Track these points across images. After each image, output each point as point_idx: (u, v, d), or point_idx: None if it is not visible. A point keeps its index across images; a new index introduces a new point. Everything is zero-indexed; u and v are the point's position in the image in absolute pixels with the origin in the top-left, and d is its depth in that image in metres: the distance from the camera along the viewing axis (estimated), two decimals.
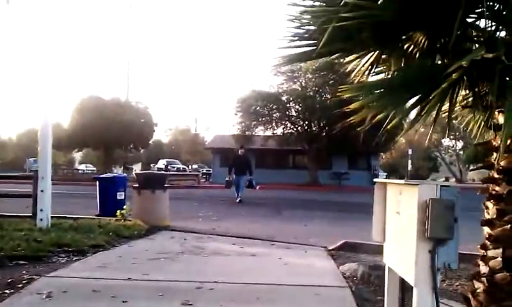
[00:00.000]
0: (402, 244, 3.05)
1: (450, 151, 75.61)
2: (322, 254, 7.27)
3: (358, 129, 3.78)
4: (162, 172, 14.89)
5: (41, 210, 8.39)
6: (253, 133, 30.65)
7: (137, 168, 48.55)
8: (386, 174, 38.36)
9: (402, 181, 3.22)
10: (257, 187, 16.80)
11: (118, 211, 9.68)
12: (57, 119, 38.33)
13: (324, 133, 29.68)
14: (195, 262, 6.38)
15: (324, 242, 8.30)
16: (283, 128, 30.73)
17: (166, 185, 10.14)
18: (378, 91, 3.31)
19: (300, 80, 29.86)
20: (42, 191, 8.44)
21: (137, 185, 9.97)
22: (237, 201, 16.67)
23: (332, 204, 17.66)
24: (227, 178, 17.25)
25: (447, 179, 74.50)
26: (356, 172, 34.80)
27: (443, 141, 74.73)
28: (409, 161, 45.33)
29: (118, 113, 34.18)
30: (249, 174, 17.03)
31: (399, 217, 3.22)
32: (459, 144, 73.76)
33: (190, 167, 55.97)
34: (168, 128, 77.85)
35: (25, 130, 71.88)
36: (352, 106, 3.44)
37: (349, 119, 3.74)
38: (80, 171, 48.22)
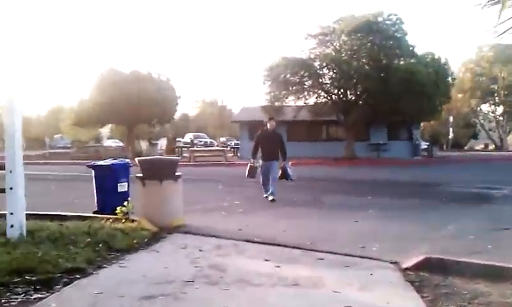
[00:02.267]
0: None
1: (489, 117, 71.74)
2: (396, 279, 4.99)
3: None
4: (173, 157, 9.59)
5: (12, 214, 6.30)
6: (283, 104, 28.12)
7: (162, 143, 46.72)
8: (427, 144, 35.40)
9: None
10: (294, 178, 11.74)
11: (119, 208, 7.57)
12: (78, 95, 36.78)
13: (361, 102, 26.94)
14: (210, 303, 4.22)
15: (390, 251, 6.06)
16: (316, 98, 28.08)
17: (177, 174, 7.96)
18: None
19: (334, 44, 27.11)
20: (11, 189, 6.34)
21: (140, 175, 7.83)
22: (269, 199, 10.96)
23: (379, 185, 15.21)
24: (250, 163, 11.51)
25: (486, 146, 71.11)
26: (395, 142, 32.10)
27: (482, 107, 70.91)
28: (450, 129, 42.35)
29: (139, 87, 32.09)
30: (282, 159, 11.37)
31: None
32: (499, 110, 69.84)
33: (218, 140, 54.00)
34: (194, 101, 76.00)
35: (54, 107, 71.26)
36: None
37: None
38: (107, 147, 46.51)
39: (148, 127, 41.20)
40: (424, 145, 34.53)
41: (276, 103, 27.44)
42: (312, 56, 26.80)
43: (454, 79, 28.21)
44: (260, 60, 59.61)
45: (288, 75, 26.30)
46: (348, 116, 27.26)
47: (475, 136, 68.18)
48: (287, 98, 27.96)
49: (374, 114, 26.55)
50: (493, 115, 70.72)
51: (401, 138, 32.69)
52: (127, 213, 7.63)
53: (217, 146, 47.92)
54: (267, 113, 27.91)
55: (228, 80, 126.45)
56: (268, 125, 11.50)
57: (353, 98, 26.97)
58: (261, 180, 11.34)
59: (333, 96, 27.71)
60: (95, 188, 8.43)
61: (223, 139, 54.80)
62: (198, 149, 34.96)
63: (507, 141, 72.02)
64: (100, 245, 5.88)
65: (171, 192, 7.80)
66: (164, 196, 7.72)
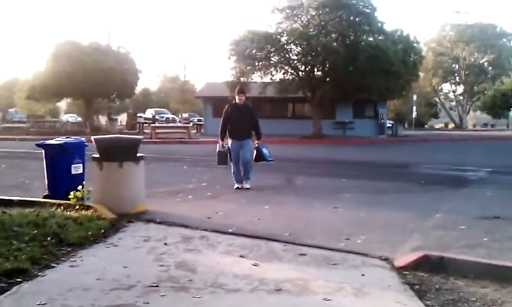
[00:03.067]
0: None
1: (449, 96, 72.78)
2: (392, 281, 4.37)
3: None
4: (134, 136, 8.13)
5: None
6: (249, 79, 27.23)
7: (122, 119, 45.17)
8: (391, 123, 35.30)
9: None
10: (272, 158, 10.00)
11: (72, 193, 6.71)
12: (34, 67, 34.85)
13: (328, 79, 26.31)
14: None
15: (378, 243, 5.50)
16: (283, 74, 27.26)
17: (139, 155, 7.13)
18: None
19: (301, 18, 26.28)
20: None
21: (97, 156, 6.96)
22: (245, 187, 9.39)
23: (350, 166, 14.66)
24: (219, 148, 9.55)
25: (446, 125, 72.21)
26: (361, 121, 31.83)
27: (443, 86, 71.80)
28: (414, 107, 42.40)
29: (98, 59, 30.56)
30: (256, 137, 9.62)
31: None
32: (460, 89, 70.92)
33: (180, 116, 52.73)
34: (155, 75, 74.13)
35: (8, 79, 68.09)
36: None
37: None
38: (64, 122, 44.33)
39: (107, 102, 39.62)
40: (388, 124, 34.43)
41: (242, 79, 26.51)
42: (279, 31, 25.89)
43: (421, 57, 27.90)
44: (225, 34, 58.07)
45: (254, 50, 25.36)
46: (315, 93, 26.63)
47: (435, 115, 69.09)
48: (252, 73, 27.08)
49: (342, 92, 26.06)
50: (453, 94, 71.89)
51: (367, 116, 32.44)
52: (82, 198, 6.79)
53: (179, 122, 46.74)
54: (232, 89, 27.07)
55: (191, 55, 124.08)
56: (237, 98, 9.50)
57: (321, 74, 26.28)
58: (232, 166, 9.44)
59: (300, 72, 26.99)
60: (45, 169, 7.50)
61: (185, 115, 53.54)
62: (160, 125, 33.79)
63: (467, 120, 73.45)
64: (49, 238, 5.06)
65: (132, 176, 6.97)
66: (124, 180, 6.89)
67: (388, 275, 4.48)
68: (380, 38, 24.14)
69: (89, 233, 5.46)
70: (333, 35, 24.81)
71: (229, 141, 9.51)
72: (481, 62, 66.83)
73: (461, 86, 70.13)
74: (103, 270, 4.35)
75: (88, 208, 6.52)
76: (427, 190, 9.71)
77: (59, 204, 6.62)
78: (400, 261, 4.73)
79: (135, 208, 6.91)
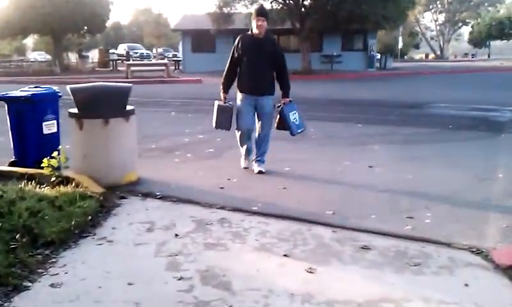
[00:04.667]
0: None
1: (430, 26, 71.21)
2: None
3: None
4: (122, 84, 5.81)
5: None
6: (233, 10, 25.14)
7: (93, 55, 42.46)
8: (379, 54, 33.73)
9: None
10: (303, 128, 6.22)
11: (45, 160, 5.23)
12: None
13: (320, 7, 24.37)
14: None
15: (452, 222, 4.29)
16: (271, 3, 25.25)
17: (129, 108, 5.63)
18: None
19: None
20: None
21: (76, 111, 5.44)
22: (254, 171, 6.06)
23: (358, 107, 13.20)
24: (219, 103, 6.08)
25: (426, 55, 70.88)
26: (349, 53, 30.26)
27: (425, 15, 70.00)
28: (400, 38, 40.83)
29: None
30: (283, 93, 6.05)
31: None
32: (441, 18, 69.32)
33: (155, 51, 50.18)
34: (127, 8, 70.25)
35: None
36: None
37: None
38: (32, 62, 41.40)
39: (77, 37, 36.91)
40: (376, 56, 32.92)
41: (225, 10, 24.48)
42: None
43: None
44: None
45: None
46: (304, 25, 24.74)
47: (417, 46, 67.55)
48: (237, 2, 24.96)
49: (333, 22, 24.27)
50: (436, 23, 70.28)
51: (356, 49, 30.86)
52: (59, 168, 5.32)
53: (154, 57, 44.39)
54: (215, 21, 25.05)
55: None
56: (255, 26, 5.80)
57: (311, 2, 24.24)
58: (238, 132, 6.12)
59: (289, 1, 24.98)
60: (10, 130, 5.95)
61: (159, 50, 50.97)
62: (136, 62, 31.54)
63: (449, 49, 72.28)
64: (18, 235, 3.65)
65: (122, 136, 5.50)
66: (112, 141, 5.41)
67: (499, 284, 3.22)
68: None
69: (73, 222, 4.05)
70: None
71: (238, 97, 6.01)
72: None
73: (443, 14, 68.53)
74: (100, 293, 3.00)
75: (67, 181, 5.09)
76: (464, 138, 8.47)
77: (30, 176, 5.17)
78: (503, 257, 3.48)
79: (126, 176, 5.50)
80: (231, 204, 4.73)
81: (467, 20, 63.25)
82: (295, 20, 25.35)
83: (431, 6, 67.23)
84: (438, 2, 67.36)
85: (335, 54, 29.69)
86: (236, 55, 5.95)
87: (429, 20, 71.54)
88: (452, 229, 4.09)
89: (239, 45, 5.93)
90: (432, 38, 71.17)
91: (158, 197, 4.99)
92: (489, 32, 33.10)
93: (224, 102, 6.04)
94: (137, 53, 43.57)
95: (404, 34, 52.53)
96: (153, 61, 37.13)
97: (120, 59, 36.77)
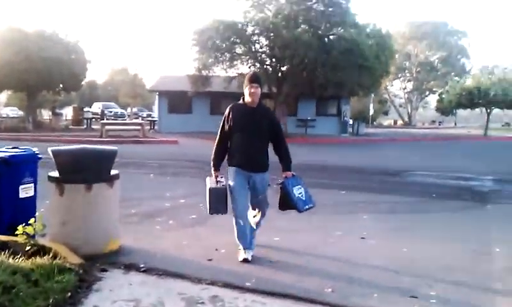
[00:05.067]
0: None
1: (398, 93, 73.41)
2: None
3: None
4: (107, 147, 5.08)
5: None
6: (212, 73, 25.33)
7: (67, 113, 42.01)
8: (351, 119, 34.20)
9: None
10: (312, 204, 5.43)
11: (20, 227, 4.84)
12: None
13: (302, 73, 24.73)
14: None
15: (458, 303, 3.99)
16: (250, 67, 25.46)
17: (113, 173, 5.33)
18: None
19: (269, 8, 24.48)
20: None
21: (56, 175, 5.12)
22: (246, 257, 5.09)
23: (337, 171, 13.16)
24: (211, 183, 5.24)
25: (395, 122, 72.62)
26: (323, 118, 30.74)
27: (394, 83, 72.23)
28: (371, 105, 41.76)
29: (44, 47, 27.76)
30: (283, 167, 5.47)
31: None
32: (409, 86, 71.58)
33: (129, 110, 50.02)
34: (103, 67, 70.56)
35: None
36: None
37: None
38: (3, 118, 40.57)
39: (52, 94, 36.51)
40: (349, 121, 33.39)
41: (204, 72, 24.66)
42: (246, 20, 24.09)
43: (394, 53, 26.88)
44: (177, 28, 55.50)
45: (219, 41, 23.51)
46: (281, 89, 25.05)
47: (386, 112, 69.19)
48: (216, 66, 25.16)
49: (310, 87, 24.67)
50: (404, 91, 72.41)
51: (330, 114, 31.36)
52: (34, 236, 4.93)
53: (128, 117, 44.19)
54: (194, 83, 25.14)
55: (141, 47, 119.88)
56: (247, 93, 5.25)
57: (289, 68, 24.61)
58: (235, 213, 5.19)
59: (267, 66, 25.36)
60: None
61: (134, 110, 50.87)
62: (111, 121, 31.21)
63: (416, 116, 74.23)
64: None
65: (105, 202, 5.18)
66: (94, 208, 5.08)
67: None
68: (352, 30, 22.76)
69: (51, 300, 3.68)
70: (302, 26, 23.23)
71: (230, 173, 5.24)
72: (432, 59, 67.60)
73: (411, 82, 70.82)
74: None
75: (43, 250, 4.69)
76: (451, 209, 8.35)
77: (3, 244, 4.76)
78: None
79: (107, 245, 5.15)
80: (222, 279, 4.42)
81: (434, 89, 65.39)
82: (272, 85, 25.66)
83: (400, 75, 69.49)
84: (406, 71, 69.73)
85: (309, 118, 30.05)
86: (227, 127, 5.23)
87: (397, 88, 73.47)
88: None
89: (230, 115, 5.23)
90: (400, 106, 73.22)
91: (142, 270, 4.65)
92: (458, 101, 34.03)
93: (217, 181, 5.19)
94: (111, 112, 43.30)
95: (375, 101, 54.01)
96: (128, 121, 36.91)
97: (94, 118, 36.43)
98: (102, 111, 40.87)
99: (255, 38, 24.51)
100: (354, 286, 4.39)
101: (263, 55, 25.10)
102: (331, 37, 23.35)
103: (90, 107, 45.36)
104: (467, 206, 8.63)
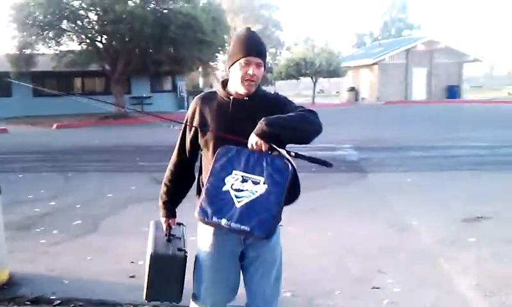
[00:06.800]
0: None
1: (222, 66, 75.18)
2: None
3: None
4: None
5: None
6: (35, 51, 22.57)
7: None
8: (187, 95, 33.85)
9: None
10: None
11: None
12: None
13: (135, 50, 23.42)
14: None
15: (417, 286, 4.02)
16: (79, 45, 23.31)
17: None
18: None
19: None
20: None
21: None
22: None
23: None
24: (155, 241, 2.51)
25: None
26: (159, 95, 30.16)
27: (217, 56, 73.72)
28: (201, 79, 42.12)
29: None
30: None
31: None
32: None
33: None
34: None
35: None
36: None
37: None
38: None
39: None
40: (184, 96, 33.05)
41: (26, 51, 21.96)
42: None
43: (228, 28, 26.82)
44: None
45: (41, 16, 21.03)
46: (116, 67, 23.48)
47: (211, 86, 70.18)
48: (41, 44, 22.53)
49: (145, 64, 23.75)
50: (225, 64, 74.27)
51: (165, 90, 30.81)
52: None
53: None
54: (15, 63, 22.35)
55: None
56: (238, 79, 2.31)
57: (124, 45, 23.06)
58: None
59: (98, 43, 23.50)
60: None
61: None
62: None
63: None
64: None
65: None
66: None
67: None
68: (186, 5, 22.08)
69: None
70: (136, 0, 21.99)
71: (202, 231, 2.45)
72: None
73: None
74: None
75: None
76: (339, 182, 8.51)
77: None
78: None
79: None
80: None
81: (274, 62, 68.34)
82: (106, 63, 24.03)
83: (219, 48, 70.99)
84: (226, 45, 71.50)
85: (145, 95, 29.06)
86: (191, 136, 2.49)
87: (221, 61, 75.17)
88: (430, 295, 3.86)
89: (199, 115, 2.44)
90: (223, 78, 75.18)
91: (56, 303, 3.81)
92: (287, 72, 35.74)
93: (169, 236, 2.59)
94: None
95: (204, 75, 54.44)
96: None
97: None
98: None
99: (82, 12, 22.43)
100: (314, 285, 4.15)
101: (93, 32, 23.15)
102: (165, 11, 22.46)
103: None
104: (353, 178, 8.86)
